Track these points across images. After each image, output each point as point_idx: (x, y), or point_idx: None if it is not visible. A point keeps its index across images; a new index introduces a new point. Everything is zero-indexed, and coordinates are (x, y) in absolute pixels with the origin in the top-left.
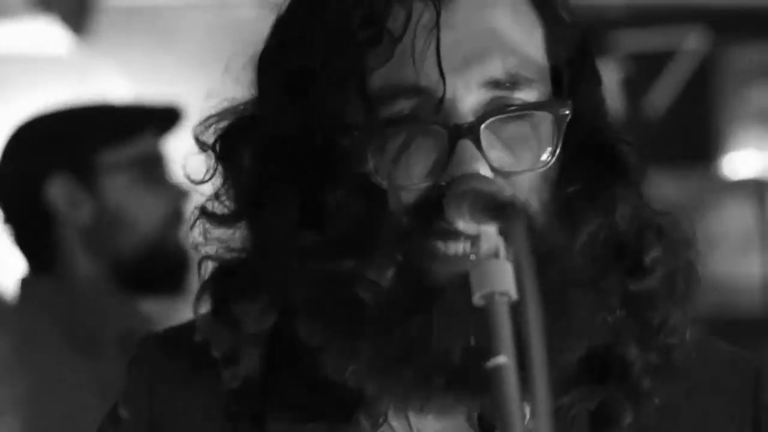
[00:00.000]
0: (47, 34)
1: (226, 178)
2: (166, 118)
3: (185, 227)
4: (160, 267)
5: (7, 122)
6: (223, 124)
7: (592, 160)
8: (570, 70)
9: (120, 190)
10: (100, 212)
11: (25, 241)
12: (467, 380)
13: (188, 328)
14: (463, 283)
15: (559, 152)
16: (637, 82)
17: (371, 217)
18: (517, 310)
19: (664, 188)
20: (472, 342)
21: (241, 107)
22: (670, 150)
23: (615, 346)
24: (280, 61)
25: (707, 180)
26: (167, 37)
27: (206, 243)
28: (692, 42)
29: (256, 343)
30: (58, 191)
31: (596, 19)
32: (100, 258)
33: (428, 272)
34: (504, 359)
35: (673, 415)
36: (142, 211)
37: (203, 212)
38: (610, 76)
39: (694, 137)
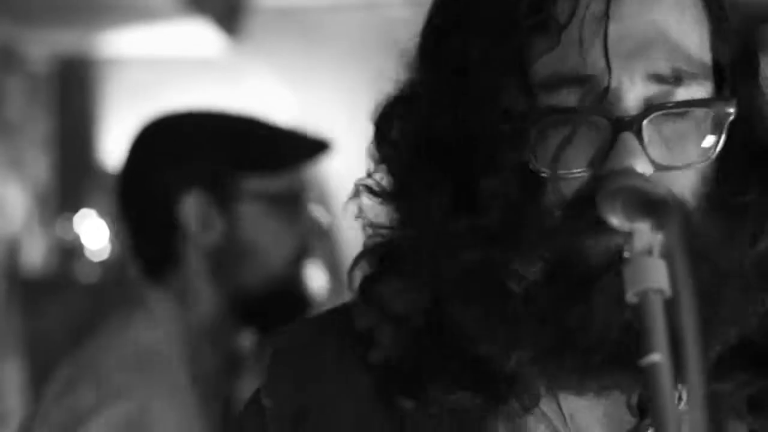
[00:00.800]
0: (200, 35)
1: (382, 158)
2: (317, 150)
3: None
4: (279, 304)
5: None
6: (384, 106)
7: (757, 163)
8: (734, 68)
9: (256, 219)
10: (230, 238)
11: (146, 251)
12: (625, 358)
13: (324, 316)
14: (616, 267)
15: (721, 151)
16: None
17: (525, 207)
18: (671, 307)
19: None
20: (629, 318)
21: (402, 90)
22: None
23: None
24: (440, 44)
25: None
26: (319, 37)
27: (362, 223)
28: None
29: (407, 323)
30: (193, 208)
31: (751, 14)
32: (222, 285)
33: (578, 263)
34: (658, 356)
35: None
36: (272, 245)
37: (361, 186)
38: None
39: None
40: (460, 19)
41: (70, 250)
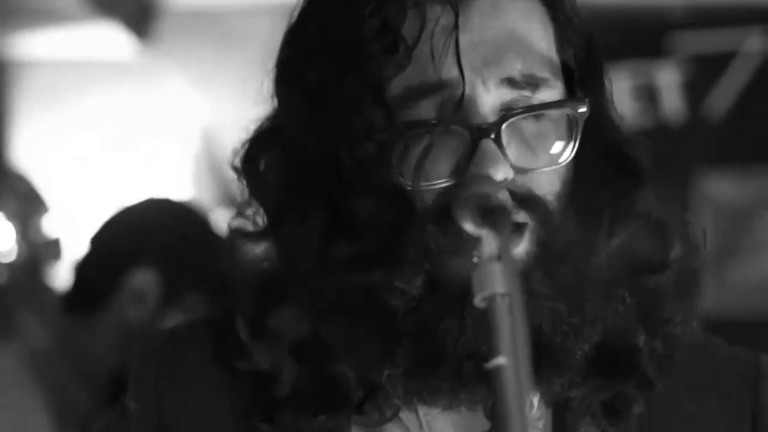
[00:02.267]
0: (111, 38)
1: (251, 194)
2: None
3: None
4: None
5: (70, 127)
6: (247, 142)
7: (607, 161)
8: (580, 69)
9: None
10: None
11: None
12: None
13: (194, 326)
14: None
15: (576, 150)
16: (698, 84)
17: (400, 225)
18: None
19: (724, 191)
20: None
21: (263, 122)
22: (731, 152)
23: (624, 336)
24: (296, 73)
25: None
26: (231, 41)
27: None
28: (753, 43)
29: (281, 350)
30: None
31: (656, 20)
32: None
33: (453, 275)
34: (503, 360)
35: (675, 410)
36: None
37: (234, 232)
38: (671, 79)
39: (756, 139)
40: (314, 48)
41: None
